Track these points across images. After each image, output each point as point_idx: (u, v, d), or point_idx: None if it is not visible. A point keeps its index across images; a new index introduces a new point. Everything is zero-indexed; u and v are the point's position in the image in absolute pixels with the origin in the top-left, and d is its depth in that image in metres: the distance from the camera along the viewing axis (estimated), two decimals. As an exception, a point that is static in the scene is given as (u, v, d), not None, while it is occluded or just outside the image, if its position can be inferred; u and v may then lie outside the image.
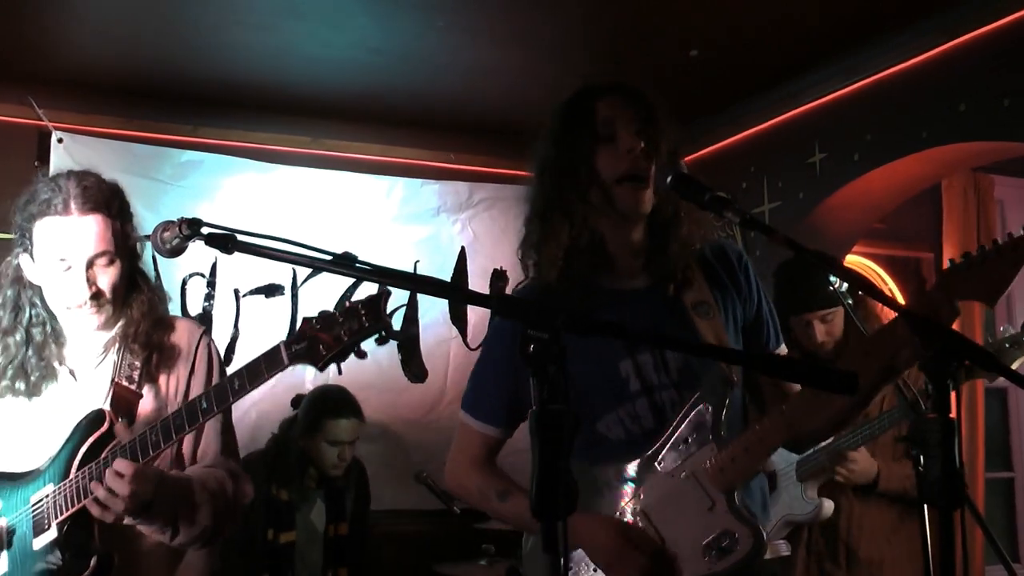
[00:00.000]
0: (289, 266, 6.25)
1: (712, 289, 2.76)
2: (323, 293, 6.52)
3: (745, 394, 2.81)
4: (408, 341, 6.72)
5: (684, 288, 2.73)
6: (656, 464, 2.67)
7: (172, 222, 2.25)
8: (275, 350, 2.49)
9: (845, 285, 4.29)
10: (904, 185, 6.15)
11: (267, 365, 2.50)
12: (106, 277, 2.82)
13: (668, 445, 2.66)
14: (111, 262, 2.82)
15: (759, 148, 6.56)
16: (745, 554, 2.54)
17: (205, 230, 2.19)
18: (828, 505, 4.38)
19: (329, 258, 1.99)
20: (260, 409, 6.08)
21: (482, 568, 5.53)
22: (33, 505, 2.77)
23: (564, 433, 1.71)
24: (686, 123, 6.48)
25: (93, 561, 2.70)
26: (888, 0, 5.26)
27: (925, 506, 2.75)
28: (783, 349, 2.88)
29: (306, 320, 2.44)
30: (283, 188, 6.52)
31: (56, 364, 2.89)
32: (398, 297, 6.68)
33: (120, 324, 2.92)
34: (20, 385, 2.86)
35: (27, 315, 2.90)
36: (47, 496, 2.75)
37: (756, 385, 2.84)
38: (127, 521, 2.68)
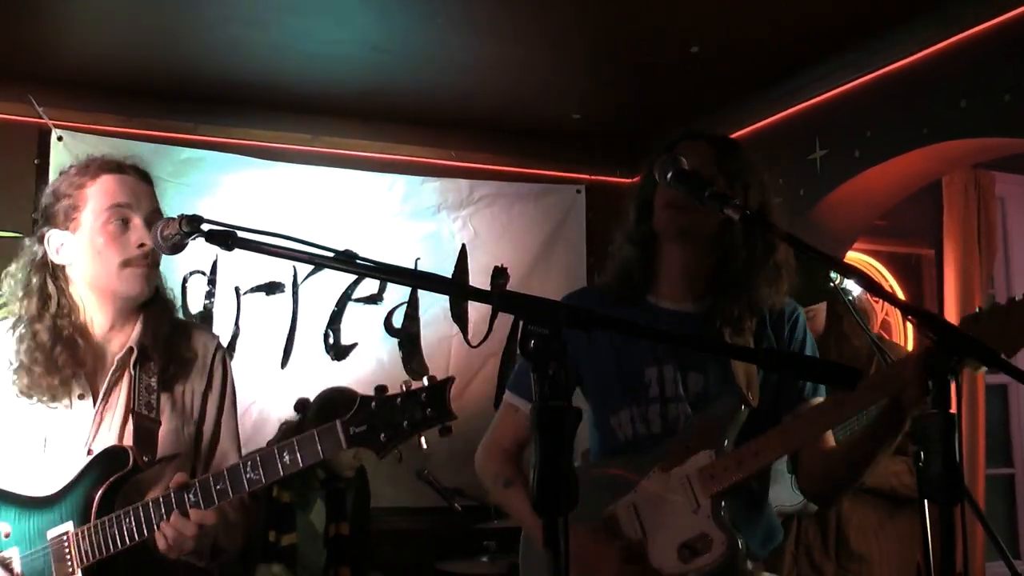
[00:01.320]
0: (290, 263, 6.33)
1: (755, 338, 2.83)
2: (324, 291, 6.56)
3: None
4: (409, 338, 6.73)
5: (732, 327, 2.81)
6: (657, 464, 2.74)
7: (172, 219, 2.27)
8: (332, 430, 2.45)
9: (847, 282, 4.29)
10: (905, 182, 6.13)
11: (323, 445, 2.46)
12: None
13: (672, 447, 2.74)
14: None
15: (760, 144, 6.46)
16: (715, 559, 2.61)
17: (205, 227, 2.19)
18: None
19: (330, 255, 1.99)
20: (260, 408, 6.09)
21: (484, 565, 5.53)
22: (51, 542, 2.69)
23: (565, 430, 1.71)
24: (686, 120, 6.46)
25: None
26: (889, -3, 5.25)
27: (925, 502, 2.75)
28: (819, 400, 2.86)
29: (364, 400, 2.41)
30: (284, 185, 6.53)
31: (78, 368, 2.79)
32: (399, 294, 6.70)
33: (136, 334, 2.86)
34: (51, 382, 2.75)
35: (55, 304, 2.81)
36: (67, 535, 2.68)
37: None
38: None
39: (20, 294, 2.84)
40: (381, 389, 2.42)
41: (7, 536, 2.73)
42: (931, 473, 1.86)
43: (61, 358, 2.76)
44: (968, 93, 5.22)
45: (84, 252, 2.79)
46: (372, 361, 6.57)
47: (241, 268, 6.35)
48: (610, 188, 7.13)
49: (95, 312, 2.85)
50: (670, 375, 2.80)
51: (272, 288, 6.46)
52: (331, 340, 6.58)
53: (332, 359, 6.54)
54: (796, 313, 2.92)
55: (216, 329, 6.09)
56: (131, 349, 2.83)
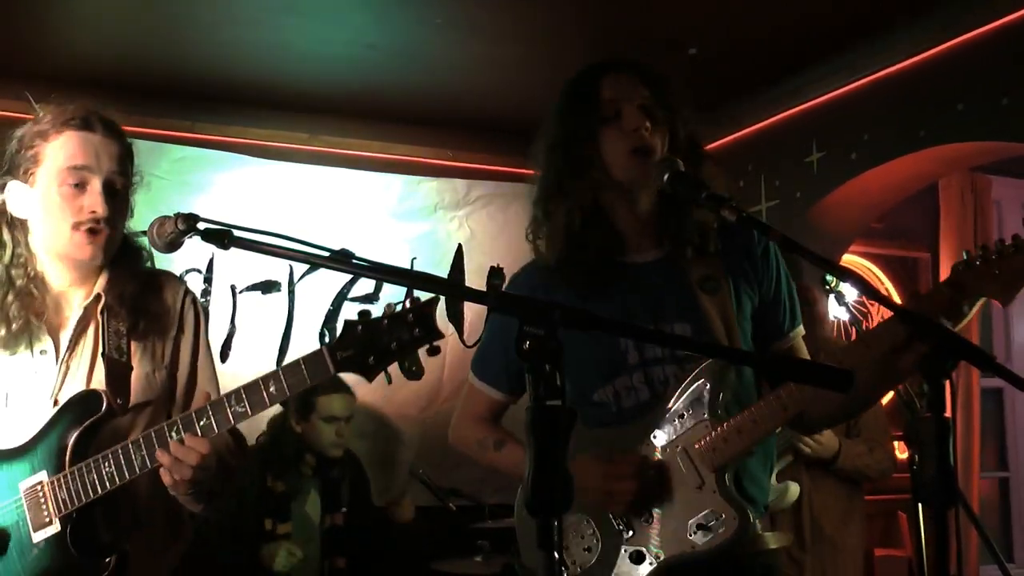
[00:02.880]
0: (286, 262, 6.32)
1: (725, 265, 2.75)
2: (320, 290, 6.53)
3: (759, 377, 2.79)
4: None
5: (697, 258, 2.73)
6: (651, 436, 2.68)
7: (168, 217, 2.24)
8: (318, 356, 2.36)
9: (843, 284, 4.29)
10: (901, 184, 6.15)
11: (310, 371, 2.37)
12: (118, 206, 2.69)
13: (664, 418, 2.67)
14: (123, 193, 2.71)
15: (757, 147, 6.56)
16: (728, 536, 2.56)
17: (202, 225, 2.17)
18: (794, 488, 4.27)
19: (326, 254, 1.98)
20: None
21: (478, 565, 5.52)
22: (25, 493, 2.62)
23: (560, 430, 1.70)
24: None
25: (112, 560, 2.59)
26: (887, 1, 5.26)
27: (920, 505, 2.74)
28: (800, 330, 2.85)
29: (349, 323, 2.32)
30: (280, 184, 6.51)
31: (34, 319, 2.70)
32: (395, 293, 6.64)
33: (102, 282, 2.77)
34: (2, 331, 2.68)
35: (9, 253, 2.73)
36: (40, 484, 2.60)
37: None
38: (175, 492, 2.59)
39: None
40: (365, 313, 2.34)
41: None
42: (925, 476, 1.85)
43: (12, 307, 2.68)
44: (965, 96, 5.25)
45: (38, 210, 2.71)
46: (367, 360, 6.53)
47: (237, 267, 6.31)
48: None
49: (53, 268, 2.76)
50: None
51: (268, 287, 6.44)
52: (327, 339, 6.52)
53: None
54: (765, 238, 2.79)
55: (212, 328, 6.06)
56: (98, 296, 2.76)
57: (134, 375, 2.74)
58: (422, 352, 2.31)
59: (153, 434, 2.51)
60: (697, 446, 2.61)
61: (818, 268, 2.62)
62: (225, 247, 2.11)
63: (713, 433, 2.60)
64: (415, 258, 6.75)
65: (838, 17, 5.42)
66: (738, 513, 2.56)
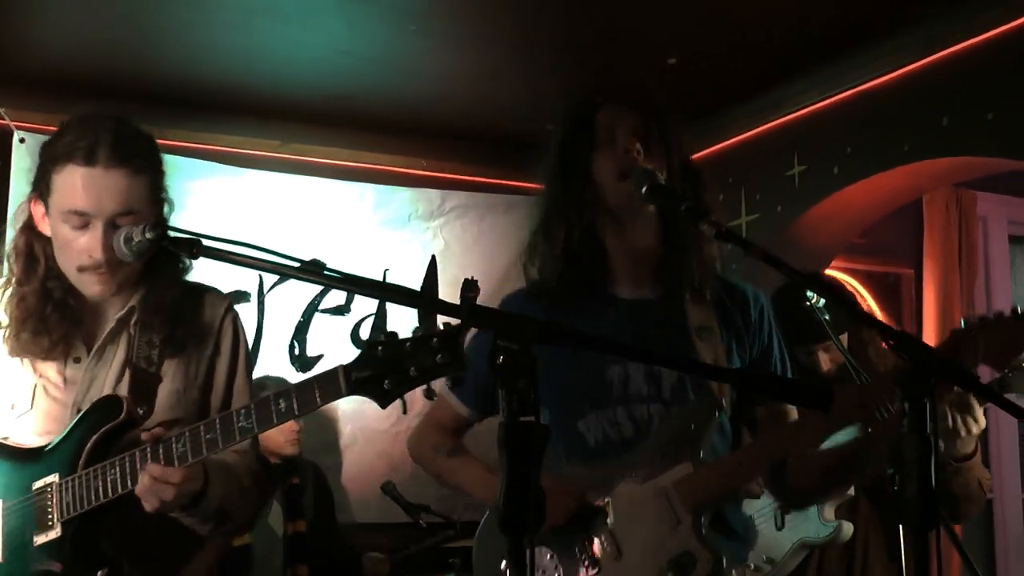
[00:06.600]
0: (256, 272, 6.18)
1: (719, 316, 2.75)
2: (290, 301, 6.47)
3: (741, 426, 2.80)
4: (376, 351, 6.62)
5: (695, 304, 2.73)
6: (631, 472, 2.65)
7: (136, 225, 2.25)
8: (332, 375, 2.25)
9: (822, 301, 4.20)
10: (884, 199, 6.13)
11: (322, 391, 2.27)
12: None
13: (645, 455, 2.64)
14: (136, 223, 2.55)
15: (737, 159, 6.52)
16: None
17: (170, 234, 2.18)
18: (847, 528, 4.14)
19: (297, 265, 1.97)
20: (223, 419, 6.01)
21: (449, 582, 5.50)
22: (35, 493, 2.59)
23: (534, 447, 1.69)
24: None
25: (103, 573, 2.53)
26: (871, 11, 5.22)
27: (901, 527, 2.73)
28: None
29: (370, 343, 2.20)
30: (252, 192, 6.44)
31: (73, 329, 2.70)
32: (366, 305, 6.63)
33: (140, 294, 2.72)
34: (41, 343, 2.65)
35: (42, 266, 2.69)
36: (50, 487, 2.57)
37: (753, 420, 2.82)
38: (174, 514, 2.54)
39: (11, 254, 2.75)
40: (392, 335, 2.19)
41: None
42: (906, 497, 1.82)
43: (52, 319, 2.67)
44: (950, 111, 5.22)
45: (54, 238, 2.68)
46: (338, 373, 6.47)
47: (205, 276, 6.16)
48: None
49: (80, 284, 2.71)
50: (638, 372, 2.70)
51: (237, 297, 6.33)
52: (296, 351, 6.49)
53: (297, 370, 6.44)
54: (761, 300, 2.83)
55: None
56: (132, 308, 2.71)
57: (164, 390, 2.72)
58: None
59: (161, 444, 2.46)
60: (676, 485, 2.59)
61: (800, 285, 2.65)
62: (194, 256, 2.12)
63: (694, 473, 2.58)
64: (388, 269, 6.68)
65: (820, 29, 5.39)
66: (712, 556, 2.53)
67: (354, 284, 2.00)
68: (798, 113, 6.10)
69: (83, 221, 2.57)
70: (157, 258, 2.69)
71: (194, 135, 6.40)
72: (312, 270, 1.97)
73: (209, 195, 6.28)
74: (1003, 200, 7.63)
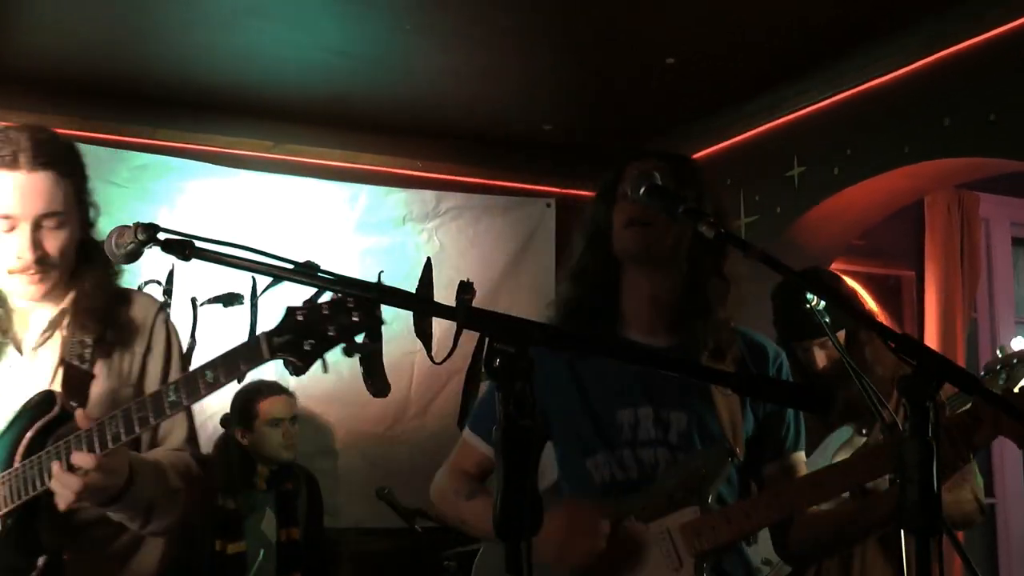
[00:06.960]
0: (249, 275, 6.18)
1: (739, 371, 2.74)
2: (284, 303, 6.34)
3: (749, 480, 2.79)
4: (371, 354, 6.57)
5: (713, 361, 2.71)
6: (635, 513, 2.63)
7: (127, 227, 2.21)
8: (255, 341, 2.36)
9: (823, 303, 4.15)
10: (885, 201, 6.11)
11: (245, 357, 2.37)
12: (55, 241, 2.68)
13: (652, 496, 2.63)
14: (61, 225, 2.69)
15: (736, 160, 6.50)
16: None
17: (162, 235, 2.14)
18: None
19: (291, 267, 1.96)
20: (216, 423, 5.94)
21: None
22: None
23: (531, 450, 1.67)
24: (661, 132, 6.48)
25: (41, 561, 2.58)
26: (871, 11, 5.19)
27: (902, 532, 2.72)
28: (801, 455, 2.82)
29: (290, 310, 2.32)
30: (244, 194, 6.40)
31: (1, 337, 2.75)
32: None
33: (70, 297, 2.78)
34: None
35: None
36: None
37: (762, 477, 2.80)
38: (98, 510, 2.58)
39: None
40: (309, 300, 2.33)
41: None
42: (908, 501, 1.79)
43: None
44: (952, 111, 5.19)
45: None
46: (332, 376, 6.40)
47: (198, 278, 6.22)
48: (581, 202, 6.90)
49: (9, 291, 2.79)
50: (647, 417, 2.69)
51: (230, 299, 6.35)
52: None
53: (291, 373, 6.35)
54: (781, 358, 2.83)
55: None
56: (64, 311, 2.78)
57: (98, 389, 2.75)
58: (389, 369, 2.24)
59: (95, 432, 2.49)
60: (682, 528, 2.57)
61: (799, 286, 2.59)
62: (186, 258, 2.08)
63: (701, 518, 2.56)
64: (382, 271, 6.65)
65: (821, 29, 5.36)
66: None
67: (348, 286, 2.00)
68: (798, 114, 6.07)
69: (10, 224, 2.63)
70: (86, 263, 2.79)
71: (187, 135, 6.38)
72: (306, 272, 1.97)
73: (202, 196, 6.28)
74: (1006, 201, 7.60)
